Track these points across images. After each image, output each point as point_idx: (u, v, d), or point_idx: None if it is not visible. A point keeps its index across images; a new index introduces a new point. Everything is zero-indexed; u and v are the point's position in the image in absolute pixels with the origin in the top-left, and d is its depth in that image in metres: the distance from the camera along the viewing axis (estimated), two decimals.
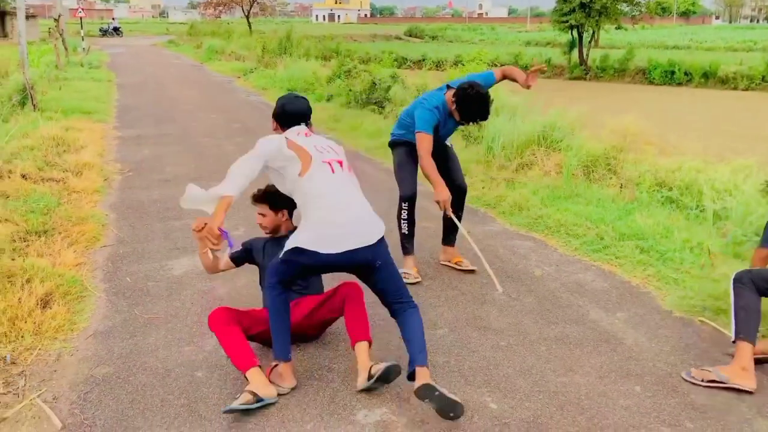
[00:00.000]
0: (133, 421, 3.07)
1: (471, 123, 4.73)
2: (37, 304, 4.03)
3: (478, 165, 7.87)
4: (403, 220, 4.82)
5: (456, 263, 5.03)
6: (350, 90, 13.85)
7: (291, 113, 3.60)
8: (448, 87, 4.65)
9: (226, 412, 3.05)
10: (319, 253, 3.17)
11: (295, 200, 3.43)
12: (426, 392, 3.02)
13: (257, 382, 3.15)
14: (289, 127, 3.57)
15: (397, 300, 3.37)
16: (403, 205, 4.81)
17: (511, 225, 6.16)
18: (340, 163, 3.41)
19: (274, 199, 3.74)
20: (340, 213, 3.24)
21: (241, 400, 3.07)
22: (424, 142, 4.50)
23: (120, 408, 3.17)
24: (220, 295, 4.47)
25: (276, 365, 3.30)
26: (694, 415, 3.13)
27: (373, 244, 3.27)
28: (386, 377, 3.21)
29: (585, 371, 3.52)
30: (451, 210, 4.60)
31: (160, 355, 3.66)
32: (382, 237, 3.35)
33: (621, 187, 6.78)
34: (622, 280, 4.82)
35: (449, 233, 5.07)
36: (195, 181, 7.27)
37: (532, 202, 6.50)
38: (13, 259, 4.62)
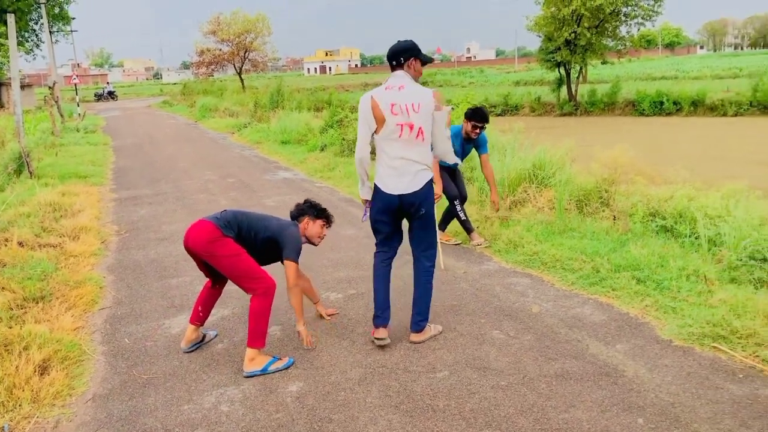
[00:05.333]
0: None
1: (479, 126, 6.53)
2: (35, 371, 4.02)
3: (472, 205, 7.91)
4: (459, 211, 6.82)
5: (446, 240, 6.96)
6: (343, 139, 14.01)
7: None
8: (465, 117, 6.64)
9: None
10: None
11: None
12: None
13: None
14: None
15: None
16: (456, 201, 6.79)
17: (508, 263, 6.18)
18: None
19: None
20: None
21: None
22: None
23: None
24: (218, 351, 4.46)
25: None
26: None
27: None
28: None
29: (587, 406, 3.50)
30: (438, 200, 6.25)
31: (159, 416, 3.63)
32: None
33: (614, 219, 6.82)
34: (620, 311, 4.82)
35: (444, 222, 7.01)
36: None
37: (526, 239, 6.53)
38: (10, 327, 4.62)
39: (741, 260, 5.30)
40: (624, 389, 3.67)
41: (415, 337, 4.46)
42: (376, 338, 4.36)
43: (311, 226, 4.48)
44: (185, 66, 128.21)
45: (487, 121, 6.58)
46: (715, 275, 5.16)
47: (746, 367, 3.86)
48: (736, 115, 23.98)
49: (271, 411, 3.63)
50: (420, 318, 4.43)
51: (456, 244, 6.90)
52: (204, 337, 4.61)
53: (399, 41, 4.24)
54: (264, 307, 4.05)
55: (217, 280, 4.48)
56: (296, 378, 4.01)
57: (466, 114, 6.63)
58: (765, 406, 3.40)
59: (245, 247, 4.17)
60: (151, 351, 4.53)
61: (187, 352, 4.45)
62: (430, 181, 4.23)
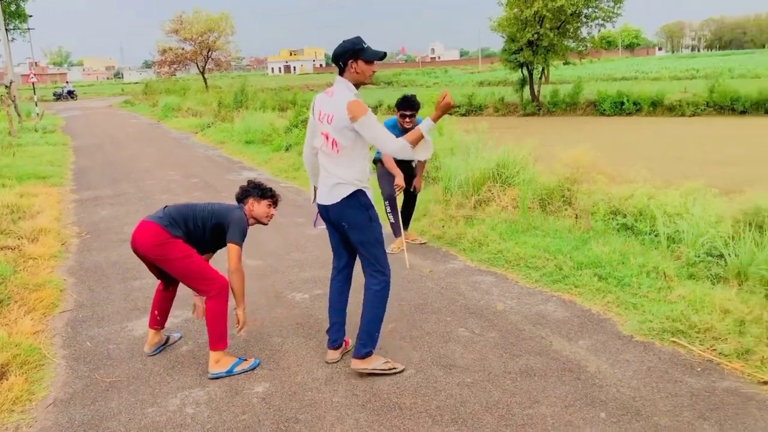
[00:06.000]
0: None
1: (408, 115, 6.24)
2: None
3: (437, 205, 7.95)
4: (388, 213, 6.58)
5: (412, 240, 6.95)
6: None
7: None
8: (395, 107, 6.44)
9: None
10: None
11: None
12: None
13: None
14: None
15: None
16: (386, 202, 6.56)
17: (472, 261, 6.23)
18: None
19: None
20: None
21: None
22: None
23: None
24: (183, 353, 4.42)
25: None
26: None
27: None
28: None
29: (550, 402, 3.55)
30: (400, 191, 6.51)
31: (122, 419, 3.58)
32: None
33: (576, 218, 6.92)
34: (583, 308, 4.90)
35: (406, 223, 6.97)
36: None
37: (491, 238, 6.59)
38: None
39: (699, 257, 5.43)
40: (587, 384, 3.73)
41: (355, 363, 3.96)
42: (326, 359, 4.20)
43: (257, 207, 4.31)
44: (147, 65, 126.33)
45: (414, 108, 6.24)
46: (674, 272, 5.28)
47: (704, 361, 3.96)
48: (693, 115, 24.49)
49: (237, 412, 3.61)
50: (361, 343, 3.94)
51: (422, 244, 6.93)
52: (168, 339, 4.56)
53: (342, 42, 3.84)
54: (220, 308, 4.01)
55: (168, 282, 4.41)
56: (262, 379, 4.00)
57: (395, 104, 6.39)
58: (722, 398, 3.50)
59: (194, 243, 4.09)
60: (113, 354, 4.47)
61: (151, 356, 4.39)
62: (350, 199, 3.86)
